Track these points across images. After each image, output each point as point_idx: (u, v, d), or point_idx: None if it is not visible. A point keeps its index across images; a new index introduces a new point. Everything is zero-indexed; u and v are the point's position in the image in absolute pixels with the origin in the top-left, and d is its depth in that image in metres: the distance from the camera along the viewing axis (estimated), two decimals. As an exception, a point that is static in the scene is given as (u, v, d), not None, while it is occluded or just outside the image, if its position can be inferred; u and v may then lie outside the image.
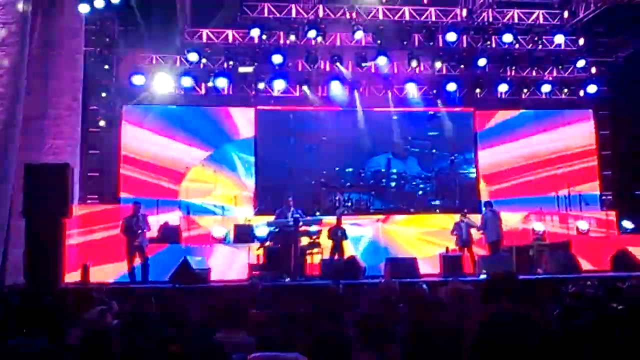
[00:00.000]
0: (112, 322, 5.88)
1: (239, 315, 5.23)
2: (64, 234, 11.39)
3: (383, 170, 18.37)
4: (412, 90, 18.51)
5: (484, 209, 15.48)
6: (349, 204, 17.41)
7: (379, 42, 17.00)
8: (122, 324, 5.65)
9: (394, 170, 18.40)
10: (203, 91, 17.92)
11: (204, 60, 17.24)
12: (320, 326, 4.67)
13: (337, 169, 18.05)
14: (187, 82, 17.43)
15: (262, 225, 14.62)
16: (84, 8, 14.18)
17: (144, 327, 5.34)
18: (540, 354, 2.60)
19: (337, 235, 14.76)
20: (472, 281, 12.26)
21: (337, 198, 17.45)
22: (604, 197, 18.43)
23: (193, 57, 16.93)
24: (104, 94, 16.69)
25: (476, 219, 15.38)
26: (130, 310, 6.53)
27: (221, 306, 5.38)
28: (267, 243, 13.48)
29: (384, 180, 18.30)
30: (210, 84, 17.62)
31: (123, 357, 4.41)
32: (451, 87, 18.27)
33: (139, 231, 12.90)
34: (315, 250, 13.87)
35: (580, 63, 18.10)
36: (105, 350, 3.92)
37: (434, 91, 18.48)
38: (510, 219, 16.43)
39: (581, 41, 17.76)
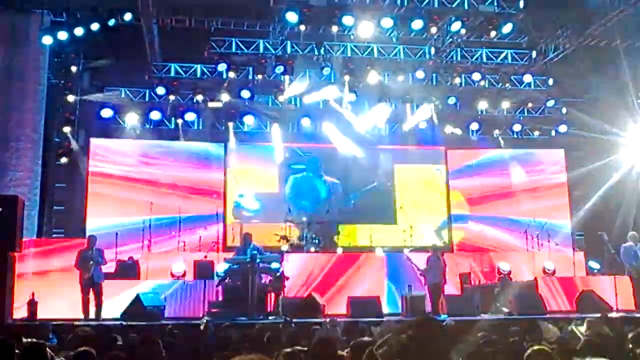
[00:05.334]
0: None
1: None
2: (12, 268, 11.08)
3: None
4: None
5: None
6: (316, 240, 16.73)
7: (347, 79, 16.93)
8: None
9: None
10: (172, 125, 17.79)
11: (172, 96, 17.10)
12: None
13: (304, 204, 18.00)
14: (156, 115, 17.31)
15: (222, 262, 14.27)
16: (47, 40, 14.01)
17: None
18: None
19: None
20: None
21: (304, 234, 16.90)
22: (576, 237, 18.23)
23: (161, 91, 16.82)
24: (68, 127, 16.42)
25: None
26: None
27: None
28: (226, 280, 13.14)
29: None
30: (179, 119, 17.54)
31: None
32: (422, 125, 18.29)
33: (92, 264, 12.55)
34: (277, 287, 13.49)
35: (550, 103, 18.15)
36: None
37: (406, 130, 18.44)
38: (477, 257, 16.21)
39: (550, 81, 17.77)
